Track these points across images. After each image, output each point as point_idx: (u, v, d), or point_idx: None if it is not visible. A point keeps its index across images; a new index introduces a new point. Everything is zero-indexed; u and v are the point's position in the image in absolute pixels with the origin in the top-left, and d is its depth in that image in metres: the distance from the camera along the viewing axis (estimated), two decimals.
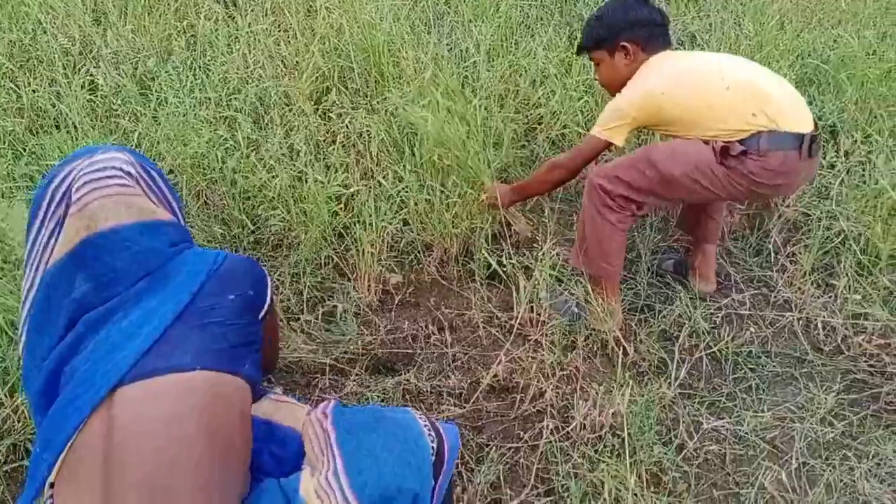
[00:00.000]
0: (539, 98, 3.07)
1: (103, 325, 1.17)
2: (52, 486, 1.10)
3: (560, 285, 2.33)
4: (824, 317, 2.31)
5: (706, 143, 2.05)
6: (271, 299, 1.34)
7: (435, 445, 1.29)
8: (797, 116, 2.04)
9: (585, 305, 2.23)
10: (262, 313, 1.31)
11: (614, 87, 2.25)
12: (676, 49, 2.40)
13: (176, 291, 1.18)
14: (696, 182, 2.05)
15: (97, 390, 1.08)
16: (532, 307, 2.23)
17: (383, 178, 2.60)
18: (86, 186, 1.20)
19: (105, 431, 1.07)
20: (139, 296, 1.19)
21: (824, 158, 2.86)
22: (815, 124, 2.08)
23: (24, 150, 2.62)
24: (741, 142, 2.00)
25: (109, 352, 1.11)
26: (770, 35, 3.45)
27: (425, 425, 1.32)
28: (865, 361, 2.18)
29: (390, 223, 2.49)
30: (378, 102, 2.94)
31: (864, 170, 2.80)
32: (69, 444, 1.08)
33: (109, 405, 1.08)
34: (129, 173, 1.26)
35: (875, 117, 3.07)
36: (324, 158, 2.71)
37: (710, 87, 2.06)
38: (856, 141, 2.94)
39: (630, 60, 2.22)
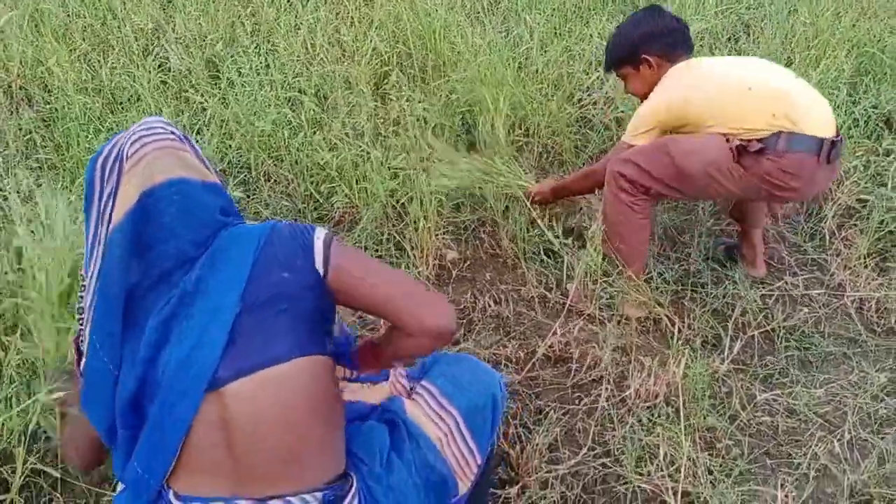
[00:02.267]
0: (593, 82, 3.13)
1: (173, 321, 1.15)
2: None
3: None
4: (878, 299, 2.33)
5: (726, 139, 2.07)
6: (326, 249, 1.22)
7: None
8: (819, 120, 2.06)
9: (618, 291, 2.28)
10: (321, 268, 1.22)
11: (645, 96, 2.33)
12: (697, 55, 2.43)
13: (231, 280, 1.15)
14: (712, 178, 2.09)
15: (191, 398, 1.10)
16: (586, 283, 2.29)
17: (438, 159, 2.68)
18: (139, 142, 1.19)
19: (221, 432, 1.12)
20: (197, 286, 1.15)
21: (880, 145, 2.86)
22: (838, 130, 2.10)
23: (103, 127, 2.76)
24: (759, 140, 2.03)
25: (190, 353, 1.11)
26: (825, 23, 3.45)
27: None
28: None
29: (445, 199, 2.58)
30: (436, 86, 3.02)
31: None
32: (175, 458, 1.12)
33: (217, 405, 1.11)
34: (173, 132, 1.25)
35: None
36: (383, 139, 2.80)
37: (731, 88, 2.12)
38: None
39: (655, 70, 2.30)
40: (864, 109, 3.01)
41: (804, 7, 3.70)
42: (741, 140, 2.04)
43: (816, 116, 2.06)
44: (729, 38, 3.50)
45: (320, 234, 1.24)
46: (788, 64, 3.23)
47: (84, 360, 1.21)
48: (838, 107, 2.97)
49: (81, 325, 1.24)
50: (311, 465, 1.17)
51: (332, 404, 1.22)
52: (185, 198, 1.19)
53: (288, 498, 1.13)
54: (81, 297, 1.25)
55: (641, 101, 2.34)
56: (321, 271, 1.21)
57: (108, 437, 1.20)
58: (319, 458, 1.19)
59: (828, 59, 3.21)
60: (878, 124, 3.11)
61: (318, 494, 1.15)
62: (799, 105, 2.04)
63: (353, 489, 1.21)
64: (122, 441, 1.18)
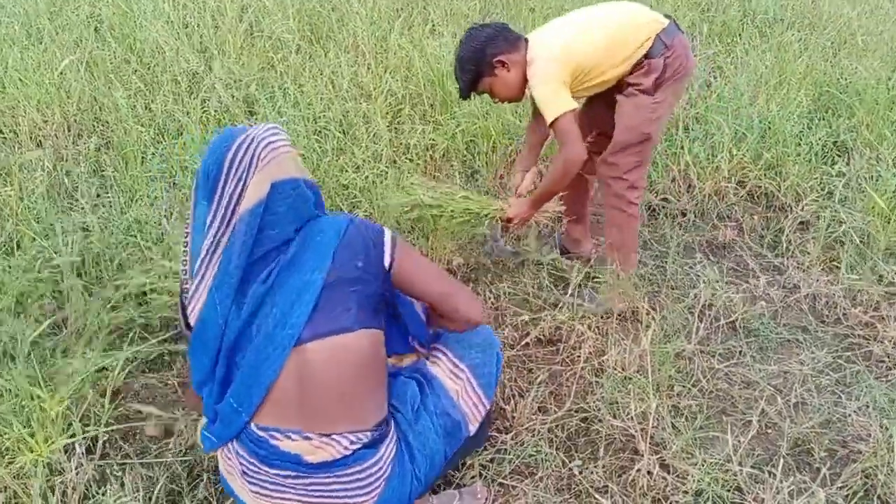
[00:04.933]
0: None
1: (276, 288, 1.49)
2: None
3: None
4: (827, 294, 2.68)
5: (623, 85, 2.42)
6: (392, 248, 1.57)
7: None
8: (657, 13, 2.45)
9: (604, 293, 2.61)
10: (388, 263, 1.56)
11: (516, 94, 2.49)
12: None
13: (318, 262, 1.48)
14: (660, 117, 2.46)
15: (282, 351, 1.45)
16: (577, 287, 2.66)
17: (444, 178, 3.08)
18: (269, 146, 1.49)
19: (297, 381, 1.47)
20: (291, 263, 1.49)
21: (832, 167, 3.26)
22: None
23: (155, 151, 3.18)
24: (648, 56, 2.38)
25: (283, 317, 1.46)
26: (791, 66, 3.89)
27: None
28: (861, 330, 2.54)
29: (452, 216, 2.96)
30: (443, 119, 3.45)
31: (870, 177, 3.19)
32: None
33: (296, 359, 1.46)
34: (287, 138, 1.56)
35: (883, 137, 3.46)
36: (397, 165, 3.21)
37: (607, 31, 2.37)
38: (866, 156, 3.34)
39: (510, 67, 2.40)
40: (820, 138, 3.42)
41: (772, 54, 4.15)
42: (634, 78, 2.40)
43: (656, 12, 2.47)
44: (703, 81, 3.94)
45: (388, 234, 1.59)
46: (754, 97, 3.66)
47: (195, 314, 1.54)
48: (798, 136, 3.39)
49: (186, 285, 1.56)
50: (363, 411, 1.54)
51: (380, 367, 1.59)
52: (297, 194, 1.52)
53: (346, 434, 1.51)
54: (184, 263, 1.58)
55: (517, 102, 2.56)
56: (387, 265, 1.57)
57: (199, 386, 1.57)
58: (369, 406, 1.56)
59: (789, 96, 3.63)
60: (837, 153, 3.52)
61: (367, 433, 1.54)
62: (645, 8, 2.44)
63: (392, 430, 1.61)
64: (218, 379, 1.53)
